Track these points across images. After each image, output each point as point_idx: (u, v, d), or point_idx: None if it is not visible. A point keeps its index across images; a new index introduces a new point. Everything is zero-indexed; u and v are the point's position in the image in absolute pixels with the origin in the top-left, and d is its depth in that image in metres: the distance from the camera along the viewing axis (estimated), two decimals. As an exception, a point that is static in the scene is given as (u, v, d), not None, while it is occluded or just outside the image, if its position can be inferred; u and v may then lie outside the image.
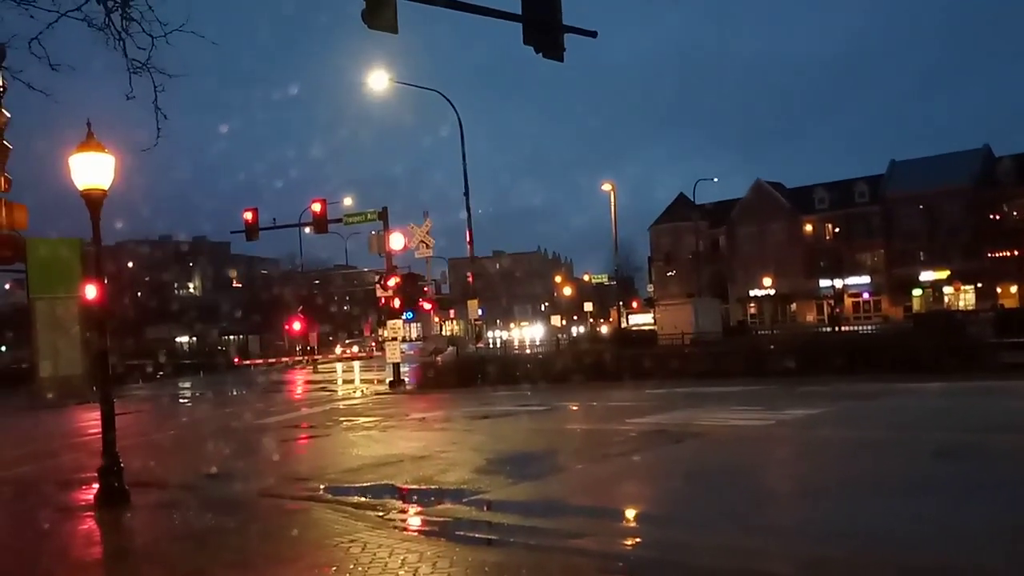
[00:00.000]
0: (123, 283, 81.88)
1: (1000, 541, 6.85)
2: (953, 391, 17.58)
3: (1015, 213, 71.76)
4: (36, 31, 9.22)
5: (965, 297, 71.59)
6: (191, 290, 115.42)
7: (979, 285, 70.97)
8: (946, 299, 73.06)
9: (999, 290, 69.79)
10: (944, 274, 73.78)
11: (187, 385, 44.21)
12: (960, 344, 22.02)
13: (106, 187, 10.19)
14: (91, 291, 12.34)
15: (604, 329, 74.06)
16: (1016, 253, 69.34)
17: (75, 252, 34.96)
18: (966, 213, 72.14)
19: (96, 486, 10.30)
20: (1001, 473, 9.60)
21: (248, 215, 36.24)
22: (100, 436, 10.31)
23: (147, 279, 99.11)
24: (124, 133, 11.67)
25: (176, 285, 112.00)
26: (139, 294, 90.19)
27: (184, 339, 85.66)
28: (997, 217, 71.85)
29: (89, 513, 10.08)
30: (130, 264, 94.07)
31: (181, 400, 35.22)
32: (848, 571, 6.31)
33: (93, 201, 10.14)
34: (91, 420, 17.47)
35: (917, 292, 75.92)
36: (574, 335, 65.88)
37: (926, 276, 75.53)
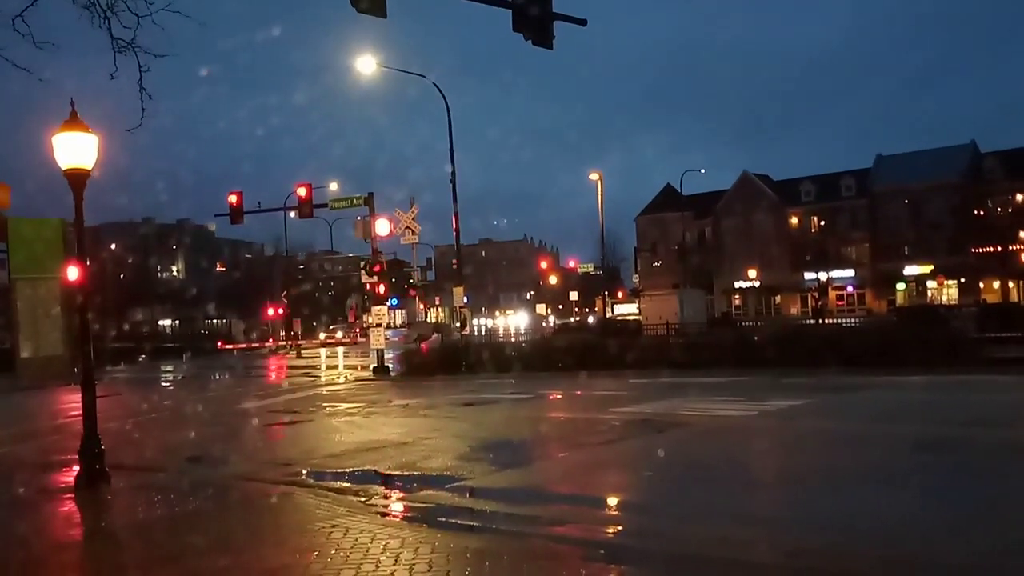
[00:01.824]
0: (106, 265, 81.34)
1: (978, 532, 6.90)
2: (935, 385, 17.66)
3: (999, 209, 72.28)
4: (20, 8, 9.11)
5: (948, 292, 72.04)
6: (174, 273, 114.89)
7: (962, 280, 71.47)
8: (929, 293, 73.56)
9: (982, 285, 70.37)
10: (928, 268, 74.26)
11: (169, 369, 44.01)
12: (943, 338, 22.09)
13: (90, 167, 10.08)
14: (73, 272, 12.23)
15: (584, 319, 74.11)
16: (999, 249, 69.87)
17: (57, 233, 34.74)
18: (951, 208, 72.60)
19: (77, 468, 10.24)
20: (982, 466, 9.67)
21: (233, 198, 36.06)
22: (81, 418, 10.25)
23: (130, 261, 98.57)
24: (109, 112, 11.56)
25: (159, 268, 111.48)
26: (122, 276, 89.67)
27: (167, 322, 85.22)
28: (981, 213, 72.33)
29: (69, 495, 10.02)
30: (113, 246, 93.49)
31: (163, 384, 35.06)
32: (829, 561, 6.33)
33: (76, 181, 10.04)
34: (72, 402, 17.38)
35: (901, 286, 76.48)
36: (556, 324, 66.09)
37: (910, 270, 76.05)
